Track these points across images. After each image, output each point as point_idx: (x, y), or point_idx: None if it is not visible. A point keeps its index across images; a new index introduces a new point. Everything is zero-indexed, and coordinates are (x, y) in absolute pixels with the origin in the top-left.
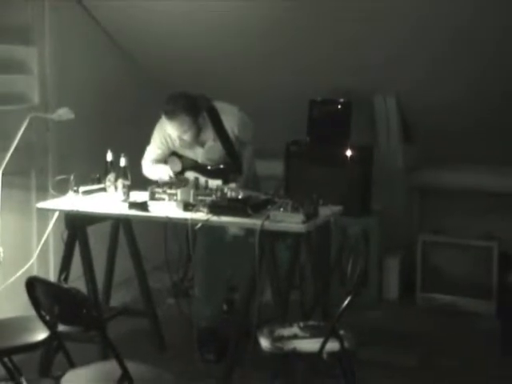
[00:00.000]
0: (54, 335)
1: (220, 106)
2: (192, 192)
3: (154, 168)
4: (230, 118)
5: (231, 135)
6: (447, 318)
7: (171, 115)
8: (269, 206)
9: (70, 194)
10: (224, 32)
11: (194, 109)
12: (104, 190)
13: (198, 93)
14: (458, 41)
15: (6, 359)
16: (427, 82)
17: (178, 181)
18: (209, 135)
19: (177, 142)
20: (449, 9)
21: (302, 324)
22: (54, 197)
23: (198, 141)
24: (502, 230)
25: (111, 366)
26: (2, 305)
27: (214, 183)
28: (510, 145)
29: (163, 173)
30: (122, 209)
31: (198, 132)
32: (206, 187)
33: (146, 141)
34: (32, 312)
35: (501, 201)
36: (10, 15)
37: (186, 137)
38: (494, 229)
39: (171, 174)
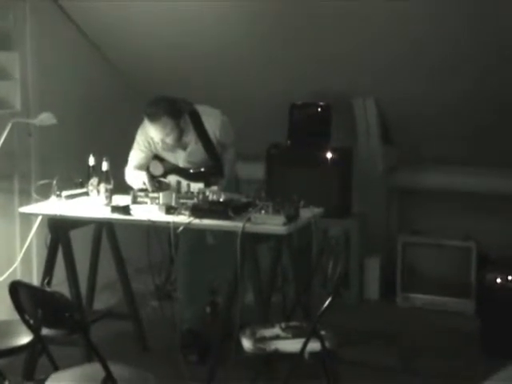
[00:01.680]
0: (38, 339)
1: (202, 109)
2: (174, 195)
3: (132, 175)
4: (212, 121)
5: (213, 138)
6: (427, 318)
7: (154, 118)
8: (250, 209)
9: (53, 198)
10: (208, 41)
11: (176, 111)
12: (87, 194)
13: (180, 96)
14: (444, 54)
15: None
16: (407, 85)
17: (155, 187)
18: (191, 138)
19: (159, 145)
20: (435, 27)
21: (283, 325)
22: (36, 201)
23: (180, 144)
24: (480, 230)
25: (95, 369)
26: None
27: (196, 186)
28: (488, 147)
29: (138, 181)
30: (105, 213)
31: (180, 135)
32: (188, 190)
33: (127, 145)
34: (15, 316)
35: (478, 202)
36: None
37: (169, 140)
38: (471, 229)
39: (146, 181)
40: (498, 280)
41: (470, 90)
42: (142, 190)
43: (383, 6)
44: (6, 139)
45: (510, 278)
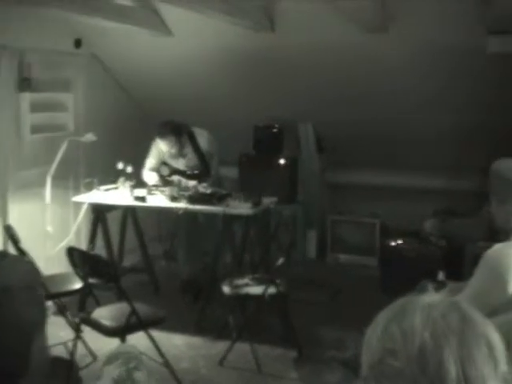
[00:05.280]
0: (86, 285)
1: (196, 130)
2: (176, 189)
3: (147, 175)
4: (202, 139)
5: (203, 150)
6: (347, 269)
7: (163, 135)
8: (228, 198)
9: (95, 191)
10: (199, 86)
11: (178, 131)
12: (117, 188)
13: (181, 120)
14: (356, 95)
15: (56, 300)
16: (334, 115)
17: (163, 183)
18: (188, 150)
19: (166, 155)
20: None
21: (251, 276)
22: (84, 193)
23: (181, 153)
24: (383, 210)
25: (124, 306)
26: (52, 265)
27: (191, 183)
28: (391, 153)
29: (152, 179)
30: (129, 201)
31: (181, 147)
32: (186, 185)
33: (143, 155)
34: (71, 270)
35: (382, 192)
36: (56, 73)
37: (173, 150)
38: (377, 210)
39: (157, 179)
40: (393, 244)
41: (375, 117)
42: (154, 186)
43: (322, 64)
44: (64, 151)
45: (399, 242)
